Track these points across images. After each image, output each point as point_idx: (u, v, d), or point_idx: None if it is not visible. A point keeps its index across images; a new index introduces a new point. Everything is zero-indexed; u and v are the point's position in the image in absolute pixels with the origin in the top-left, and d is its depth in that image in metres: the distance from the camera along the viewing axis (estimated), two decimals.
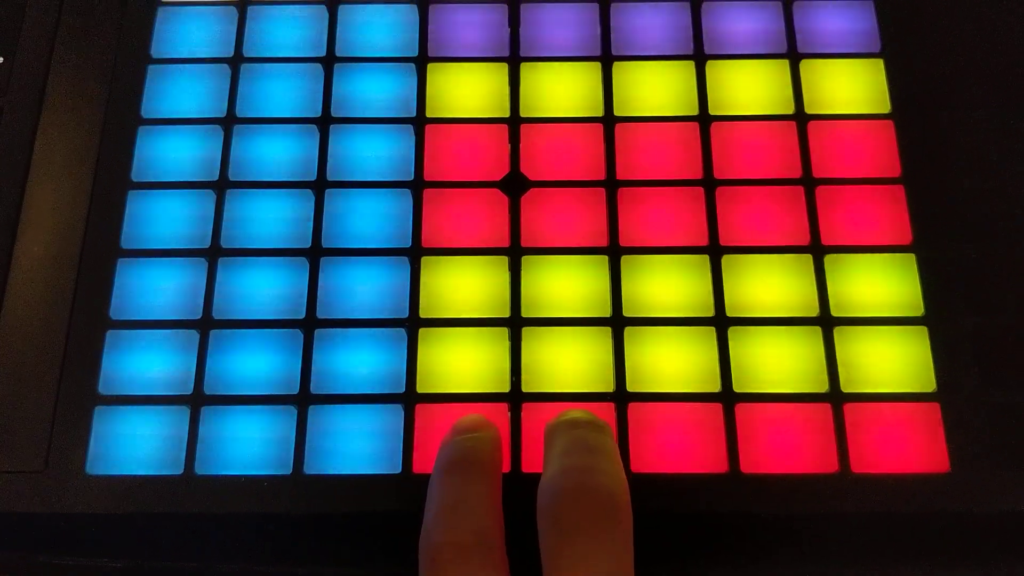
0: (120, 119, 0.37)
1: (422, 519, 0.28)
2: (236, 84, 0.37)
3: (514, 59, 0.37)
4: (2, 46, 0.38)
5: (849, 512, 0.31)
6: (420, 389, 0.33)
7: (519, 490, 0.31)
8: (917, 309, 0.34)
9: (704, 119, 0.36)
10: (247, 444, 0.32)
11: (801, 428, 0.32)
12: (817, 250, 0.34)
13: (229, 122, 0.37)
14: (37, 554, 0.32)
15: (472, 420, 0.31)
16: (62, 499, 0.32)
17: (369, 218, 0.35)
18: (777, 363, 0.33)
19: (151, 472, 0.32)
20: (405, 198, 0.35)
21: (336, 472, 0.32)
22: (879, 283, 0.34)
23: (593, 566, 0.25)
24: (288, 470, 0.32)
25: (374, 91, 0.37)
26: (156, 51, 0.38)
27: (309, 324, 0.34)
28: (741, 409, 0.32)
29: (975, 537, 0.32)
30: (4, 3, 0.39)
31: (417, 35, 0.38)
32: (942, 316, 0.34)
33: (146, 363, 0.33)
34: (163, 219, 0.35)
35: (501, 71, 0.37)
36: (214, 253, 0.35)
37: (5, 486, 0.32)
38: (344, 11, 0.38)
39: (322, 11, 0.38)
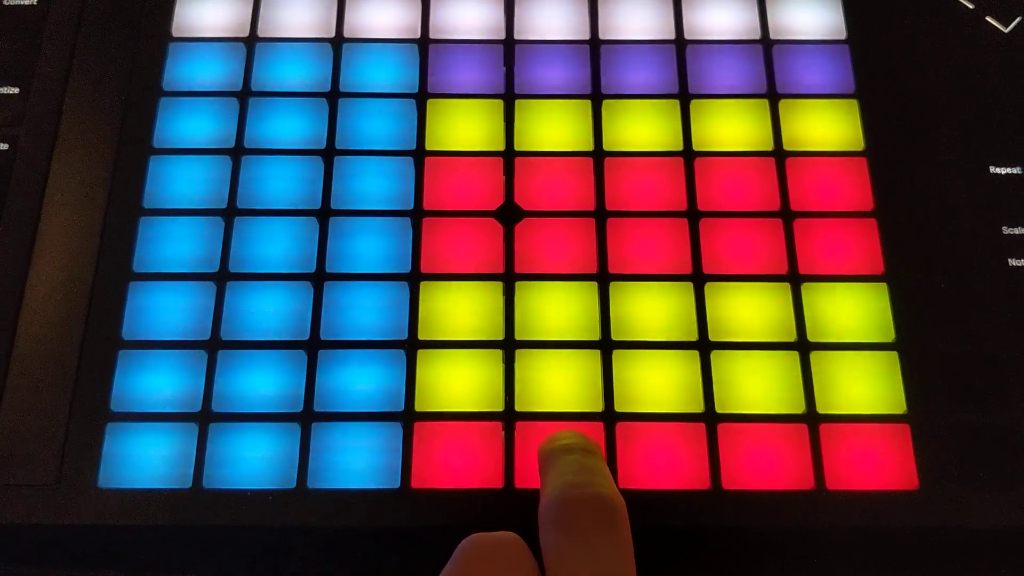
0: (132, 148, 0.39)
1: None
2: (244, 116, 0.39)
3: (509, 96, 0.40)
4: (18, 77, 0.40)
5: (824, 527, 0.33)
6: (418, 407, 0.34)
7: (513, 505, 0.33)
8: (888, 335, 0.36)
9: (688, 154, 0.38)
10: (253, 460, 0.34)
11: (779, 447, 0.34)
12: (795, 279, 0.36)
13: (237, 152, 0.38)
14: (50, 566, 0.34)
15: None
16: (74, 511, 0.33)
17: (371, 245, 0.37)
18: (757, 385, 0.35)
19: (160, 486, 0.33)
20: (405, 226, 0.37)
21: (338, 487, 0.33)
22: (853, 311, 0.36)
23: (597, 562, 0.26)
24: (292, 485, 0.33)
25: (376, 125, 0.39)
26: (168, 84, 0.40)
27: (313, 345, 0.35)
28: (723, 429, 0.34)
29: (942, 551, 0.34)
30: (20, 35, 0.41)
31: (417, 73, 0.40)
32: (912, 342, 0.36)
33: (156, 382, 0.35)
34: (173, 244, 0.37)
35: (497, 108, 0.39)
36: (222, 277, 0.36)
37: (20, 499, 0.33)
38: (348, 49, 0.40)
39: (327, 49, 0.40)
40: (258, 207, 0.37)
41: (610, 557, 0.27)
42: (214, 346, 0.35)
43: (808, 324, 0.36)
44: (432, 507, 0.33)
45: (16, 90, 0.40)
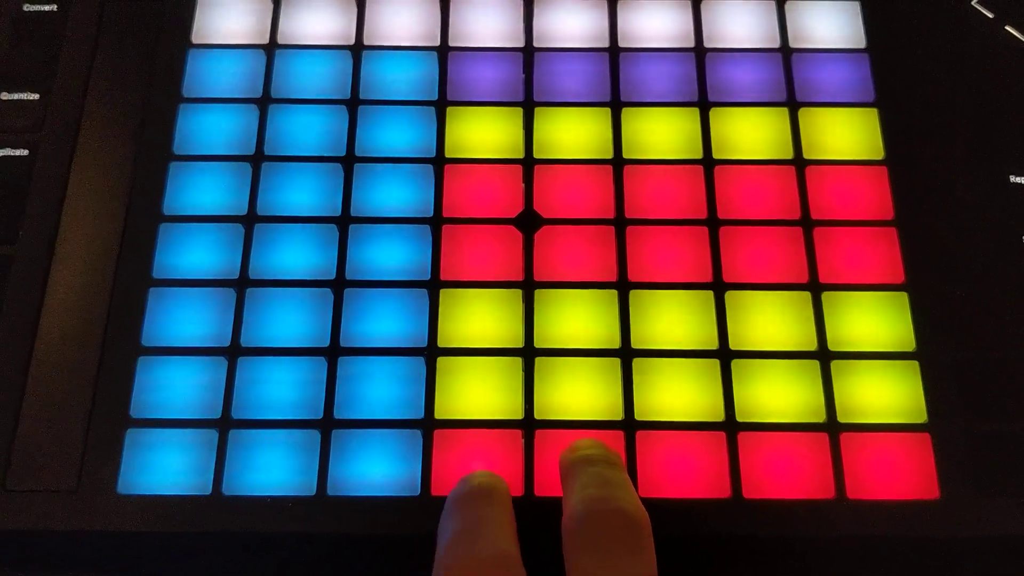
0: (152, 154, 0.39)
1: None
2: (264, 123, 0.39)
3: (528, 104, 0.40)
4: (38, 82, 0.40)
5: (845, 536, 0.33)
6: (438, 415, 0.34)
7: (533, 514, 0.32)
8: (909, 344, 0.36)
9: (708, 162, 0.38)
10: (273, 466, 0.34)
11: (800, 456, 0.34)
12: (815, 288, 0.36)
13: (257, 159, 0.38)
14: (68, 572, 0.34)
15: (481, 471, 0.32)
16: (93, 518, 0.33)
17: (390, 252, 0.37)
18: (777, 394, 0.35)
19: (180, 492, 0.33)
20: (425, 234, 0.37)
21: (358, 494, 0.33)
22: (873, 320, 0.36)
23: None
24: (312, 492, 0.33)
25: (396, 132, 0.39)
26: (187, 90, 0.40)
27: (333, 352, 0.35)
28: (743, 438, 0.34)
29: (964, 560, 0.34)
30: (40, 40, 0.41)
31: (437, 80, 0.40)
32: (933, 351, 0.35)
33: (175, 388, 0.35)
34: (193, 251, 0.37)
35: (516, 115, 0.39)
36: (242, 284, 0.36)
37: (38, 505, 0.33)
38: (368, 56, 0.40)
39: (347, 56, 0.40)
40: (278, 214, 0.37)
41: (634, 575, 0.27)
42: (233, 353, 0.35)
43: (828, 333, 0.36)
44: None
45: (36, 96, 0.40)
